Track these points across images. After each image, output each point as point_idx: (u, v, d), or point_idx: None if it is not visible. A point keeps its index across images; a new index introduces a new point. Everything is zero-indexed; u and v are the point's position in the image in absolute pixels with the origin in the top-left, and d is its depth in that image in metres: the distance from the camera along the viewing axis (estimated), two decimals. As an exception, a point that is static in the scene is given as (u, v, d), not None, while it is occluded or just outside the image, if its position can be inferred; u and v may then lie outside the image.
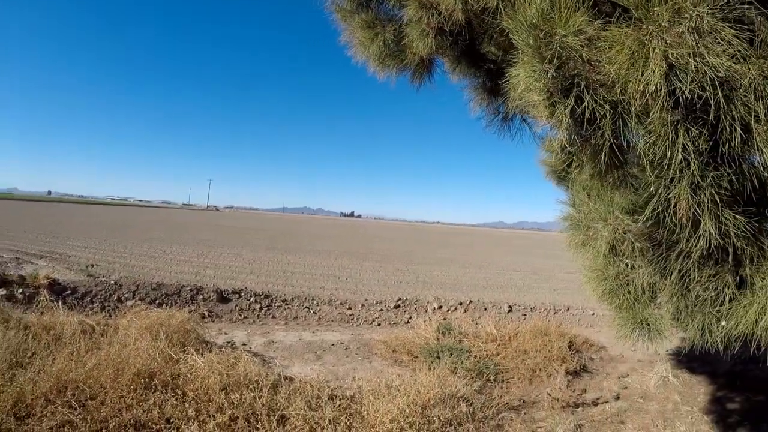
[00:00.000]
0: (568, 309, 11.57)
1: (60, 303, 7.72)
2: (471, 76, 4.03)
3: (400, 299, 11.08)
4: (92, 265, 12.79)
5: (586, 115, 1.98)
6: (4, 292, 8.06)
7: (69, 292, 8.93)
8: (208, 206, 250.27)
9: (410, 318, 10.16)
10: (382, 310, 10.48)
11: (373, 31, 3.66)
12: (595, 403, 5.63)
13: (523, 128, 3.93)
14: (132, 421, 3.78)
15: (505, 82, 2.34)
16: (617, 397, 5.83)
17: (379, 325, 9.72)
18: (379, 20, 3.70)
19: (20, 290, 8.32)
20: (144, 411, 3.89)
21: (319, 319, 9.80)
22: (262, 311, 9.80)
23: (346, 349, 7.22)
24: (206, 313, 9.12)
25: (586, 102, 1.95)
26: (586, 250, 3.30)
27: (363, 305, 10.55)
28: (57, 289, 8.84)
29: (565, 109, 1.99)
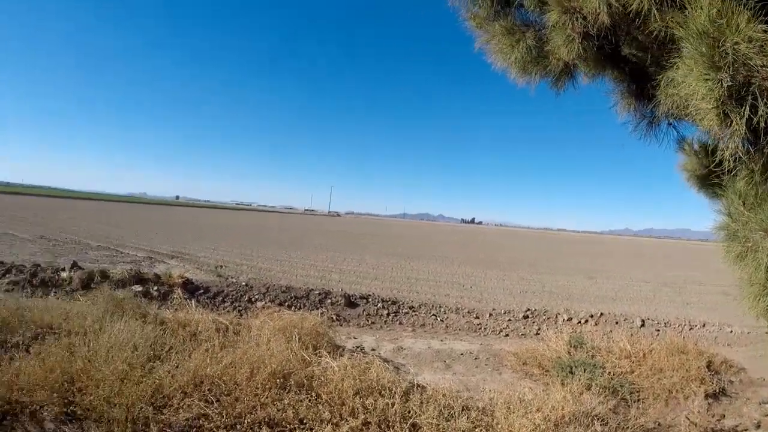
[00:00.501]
0: (704, 325, 11.21)
1: (193, 301, 8.50)
2: (615, 80, 4.17)
3: (528, 309, 11.23)
4: (221, 266, 14.08)
5: (762, 124, 2.09)
6: (141, 288, 9.09)
7: (201, 291, 9.81)
8: (329, 212, 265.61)
9: (539, 329, 10.18)
10: (510, 320, 10.60)
11: (513, 38, 3.85)
12: (734, 431, 5.52)
13: (669, 132, 4.12)
14: (266, 419, 3.95)
15: (653, 86, 2.62)
16: (758, 425, 5.66)
17: (507, 335, 9.84)
18: (518, 27, 3.90)
19: (155, 287, 9.33)
20: (278, 410, 4.06)
21: (447, 327, 9.98)
22: (390, 317, 10.04)
23: (476, 359, 7.37)
24: (334, 317, 9.45)
25: (761, 111, 2.05)
26: (745, 263, 3.26)
27: (491, 315, 10.76)
28: (190, 288, 9.76)
29: (740, 118, 2.11)
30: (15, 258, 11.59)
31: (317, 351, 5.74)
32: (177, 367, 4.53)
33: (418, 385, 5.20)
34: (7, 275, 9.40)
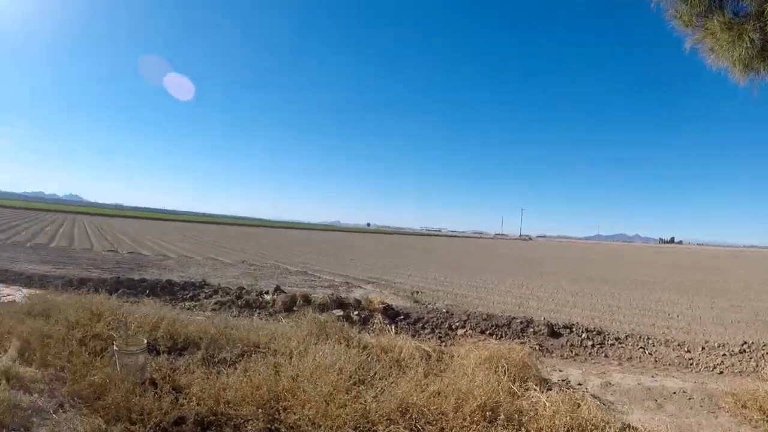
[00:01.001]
0: None
1: (393, 327, 8.61)
2: None
3: (744, 343, 9.47)
4: (416, 292, 14.29)
5: None
6: (342, 313, 9.53)
7: (401, 317, 9.96)
8: (520, 235, 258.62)
9: (757, 365, 8.59)
10: (724, 354, 9.05)
11: (733, 33, 3.57)
12: None
13: None
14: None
15: None
16: None
17: (721, 372, 8.46)
18: (736, 21, 3.61)
19: (356, 312, 9.71)
20: (487, 445, 3.74)
21: (656, 361, 8.83)
22: (594, 349, 9.15)
23: (689, 399, 6.64)
24: (537, 347, 8.84)
25: None
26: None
27: (703, 348, 9.28)
28: (390, 314, 9.97)
29: None
30: (220, 281, 13.08)
31: (525, 384, 5.38)
32: (382, 392, 4.50)
33: (631, 426, 4.93)
34: (214, 296, 10.60)
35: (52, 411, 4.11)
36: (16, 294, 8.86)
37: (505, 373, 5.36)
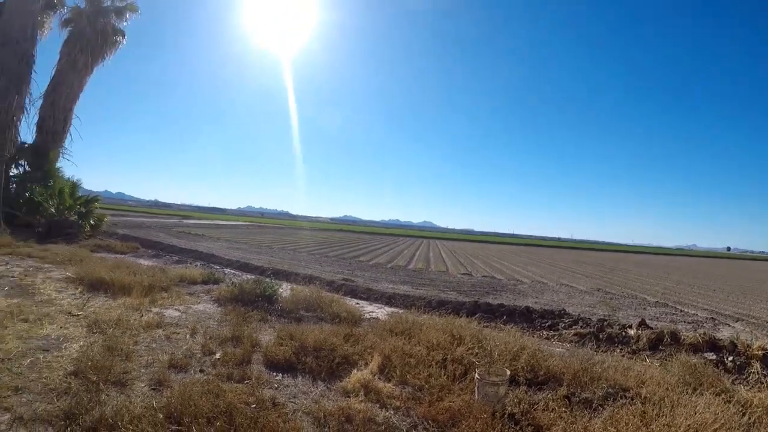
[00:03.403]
0: None
1: (775, 379, 6.97)
2: None
3: None
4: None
5: None
6: (714, 357, 8.13)
7: (786, 369, 7.97)
8: None
9: None
10: None
11: None
12: None
13: None
14: None
15: None
16: None
17: None
18: None
19: (730, 358, 8.17)
20: None
21: None
22: None
23: None
24: None
25: None
26: None
27: None
28: (769, 362, 8.11)
29: None
30: (576, 309, 12.38)
31: None
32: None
33: None
34: (573, 326, 10.03)
35: (404, 430, 4.28)
36: (379, 312, 9.59)
37: None
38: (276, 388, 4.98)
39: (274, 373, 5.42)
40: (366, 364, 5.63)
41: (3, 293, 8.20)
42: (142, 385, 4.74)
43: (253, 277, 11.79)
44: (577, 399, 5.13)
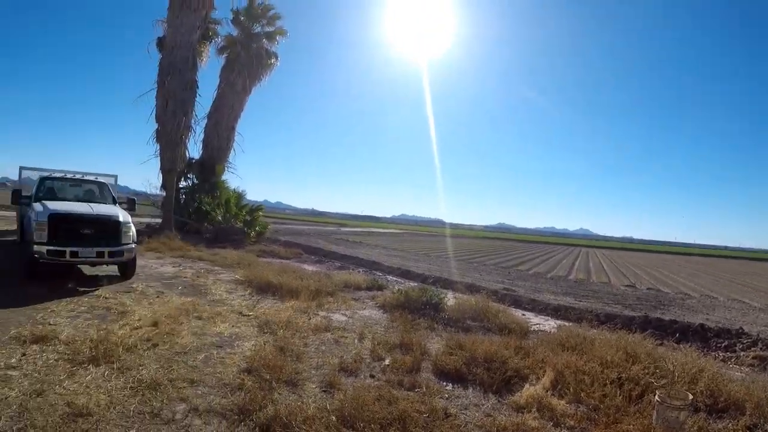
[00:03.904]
0: None
1: None
2: None
3: None
4: None
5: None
6: None
7: None
8: None
9: None
10: None
11: None
12: None
13: None
14: None
15: None
16: None
17: None
18: None
19: None
20: None
21: None
22: None
23: None
24: None
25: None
26: None
27: None
28: None
29: None
30: (750, 328, 10.77)
31: None
32: None
33: None
34: (752, 348, 8.74)
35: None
36: (545, 324, 9.21)
37: None
38: (447, 399, 4.86)
39: (444, 383, 5.31)
40: (538, 379, 5.40)
41: (177, 292, 9.04)
42: (313, 386, 4.83)
43: (415, 284, 11.82)
44: (761, 431, 4.63)
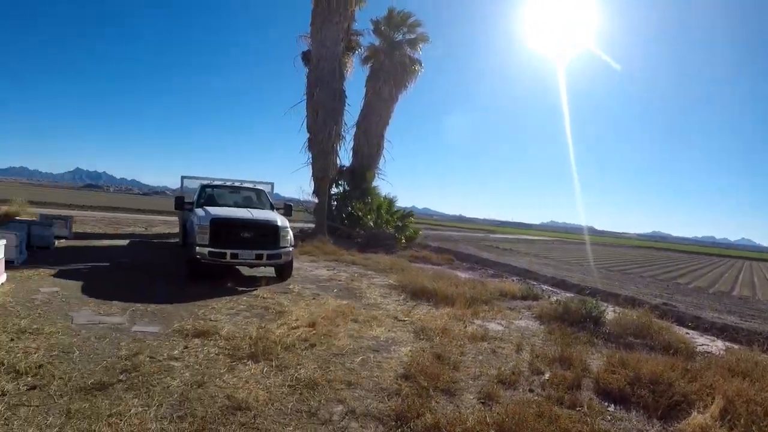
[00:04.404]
0: None
1: None
2: None
3: None
4: None
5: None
6: None
7: None
8: None
9: None
10: None
11: None
12: None
13: None
14: None
15: None
16: None
17: None
18: None
19: None
20: None
21: None
22: None
23: None
24: None
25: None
26: None
27: None
28: None
29: None
30: None
31: None
32: None
33: None
34: None
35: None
36: (712, 345, 8.44)
37: None
38: (609, 420, 4.47)
39: (606, 403, 4.87)
40: (705, 407, 4.85)
41: (333, 294, 9.26)
42: (471, 396, 4.61)
43: (571, 295, 11.29)
44: None
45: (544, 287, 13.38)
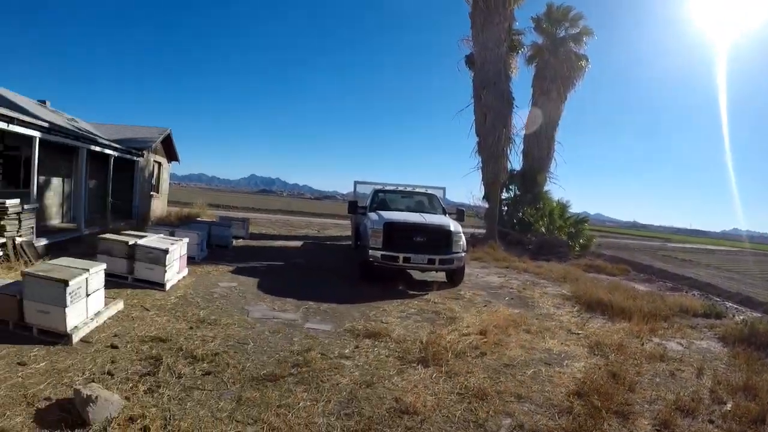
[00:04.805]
0: None
1: None
2: None
3: None
4: None
5: None
6: None
7: None
8: None
9: None
10: None
11: None
12: None
13: None
14: None
15: None
16: None
17: None
18: None
19: None
20: None
21: None
22: None
23: None
24: None
25: None
26: None
27: None
28: None
29: None
30: None
31: None
32: None
33: None
34: None
35: None
36: None
37: None
38: None
39: None
40: None
41: (504, 302, 9.11)
42: (646, 422, 4.24)
43: (758, 315, 10.05)
44: None
45: (728, 304, 11.86)
